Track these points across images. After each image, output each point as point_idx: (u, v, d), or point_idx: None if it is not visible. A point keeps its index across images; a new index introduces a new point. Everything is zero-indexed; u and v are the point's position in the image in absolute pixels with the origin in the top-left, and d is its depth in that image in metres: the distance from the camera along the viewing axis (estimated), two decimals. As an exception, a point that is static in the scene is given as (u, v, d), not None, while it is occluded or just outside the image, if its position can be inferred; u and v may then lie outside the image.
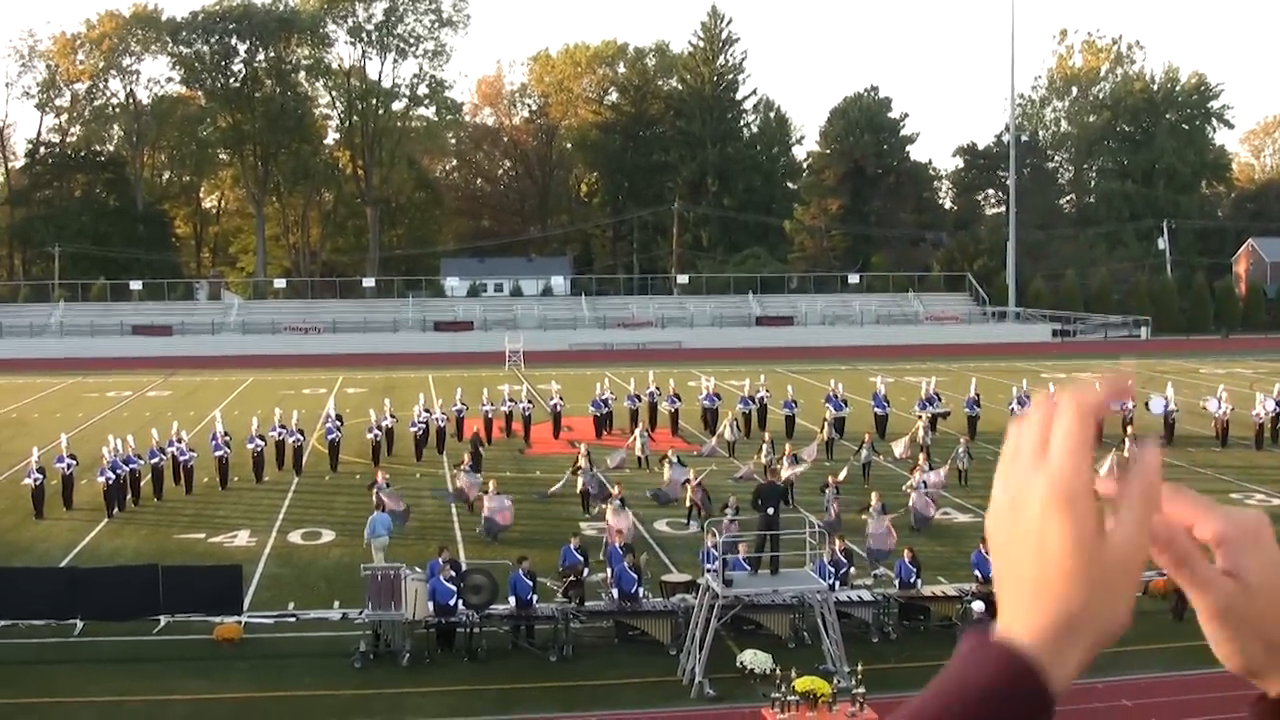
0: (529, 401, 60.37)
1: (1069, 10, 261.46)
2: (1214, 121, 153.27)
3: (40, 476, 42.63)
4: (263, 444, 48.69)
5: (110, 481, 42.44)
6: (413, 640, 27.74)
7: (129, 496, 43.79)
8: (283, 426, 50.85)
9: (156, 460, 45.49)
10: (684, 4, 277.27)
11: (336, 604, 31.45)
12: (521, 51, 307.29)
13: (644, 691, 26.08)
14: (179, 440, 47.18)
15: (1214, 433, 54.87)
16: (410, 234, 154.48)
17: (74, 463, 44.05)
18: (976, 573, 30.31)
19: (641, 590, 29.51)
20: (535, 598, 28.89)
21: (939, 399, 58.32)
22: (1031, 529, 1.58)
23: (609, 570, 30.39)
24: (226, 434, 48.75)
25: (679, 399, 59.80)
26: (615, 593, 29.43)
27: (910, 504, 39.86)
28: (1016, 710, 1.50)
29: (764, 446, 46.70)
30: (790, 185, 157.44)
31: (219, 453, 47.32)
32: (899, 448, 48.25)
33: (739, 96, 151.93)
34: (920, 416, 53.63)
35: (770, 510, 28.49)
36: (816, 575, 27.54)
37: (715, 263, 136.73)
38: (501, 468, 48.93)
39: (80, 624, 29.70)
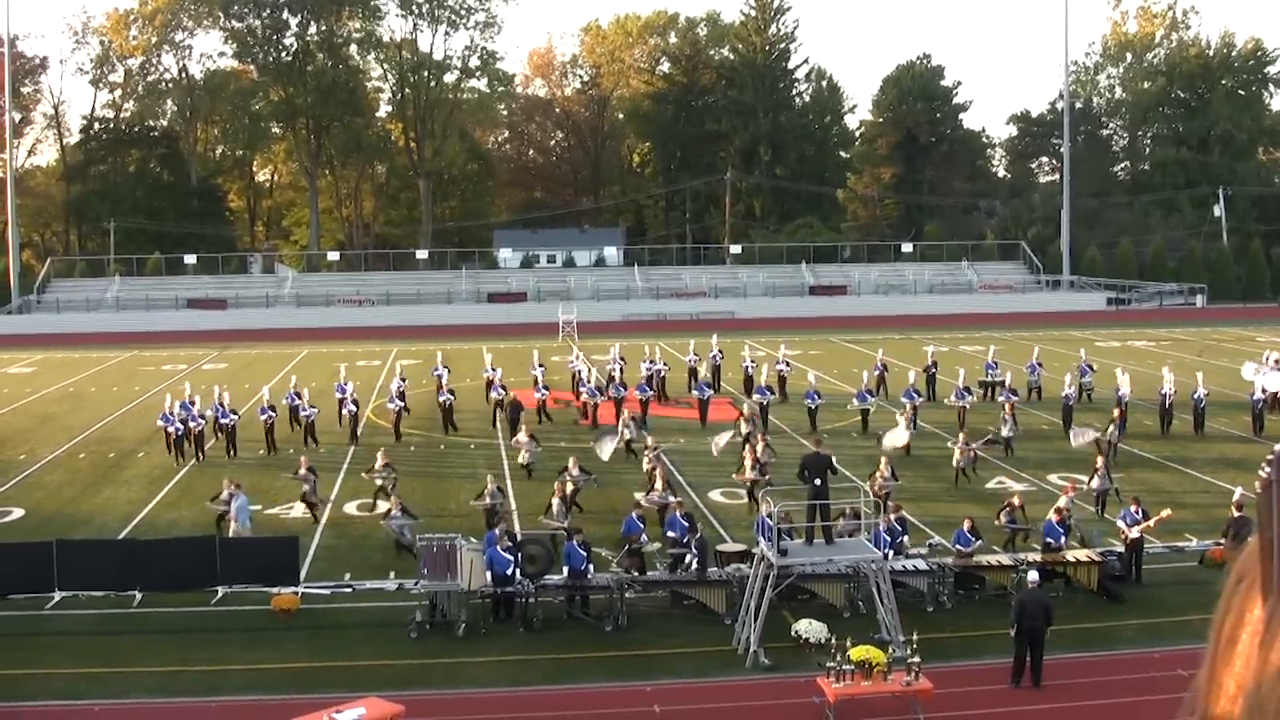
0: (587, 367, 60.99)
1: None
2: (1271, 87, 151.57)
3: (181, 426, 47.07)
4: (355, 406, 51.26)
5: (179, 432, 47.04)
6: (468, 610, 27.88)
7: (208, 446, 48.12)
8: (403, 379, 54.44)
9: (267, 416, 48.54)
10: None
11: (392, 574, 31.63)
12: (572, 22, 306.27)
13: (699, 661, 26.13)
14: (299, 396, 51.46)
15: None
16: (463, 206, 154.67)
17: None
18: (1048, 540, 30.33)
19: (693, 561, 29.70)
20: (591, 568, 28.97)
21: (996, 366, 58.11)
22: None
23: (666, 536, 30.59)
24: (356, 384, 53.65)
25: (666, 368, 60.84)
26: (695, 559, 29.57)
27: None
28: None
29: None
30: (843, 154, 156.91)
31: (305, 413, 50.13)
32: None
33: (791, 65, 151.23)
34: (961, 405, 50.96)
35: (817, 480, 28.42)
36: (871, 544, 27.51)
37: (768, 232, 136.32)
38: (557, 437, 49.03)
39: (139, 595, 29.98)
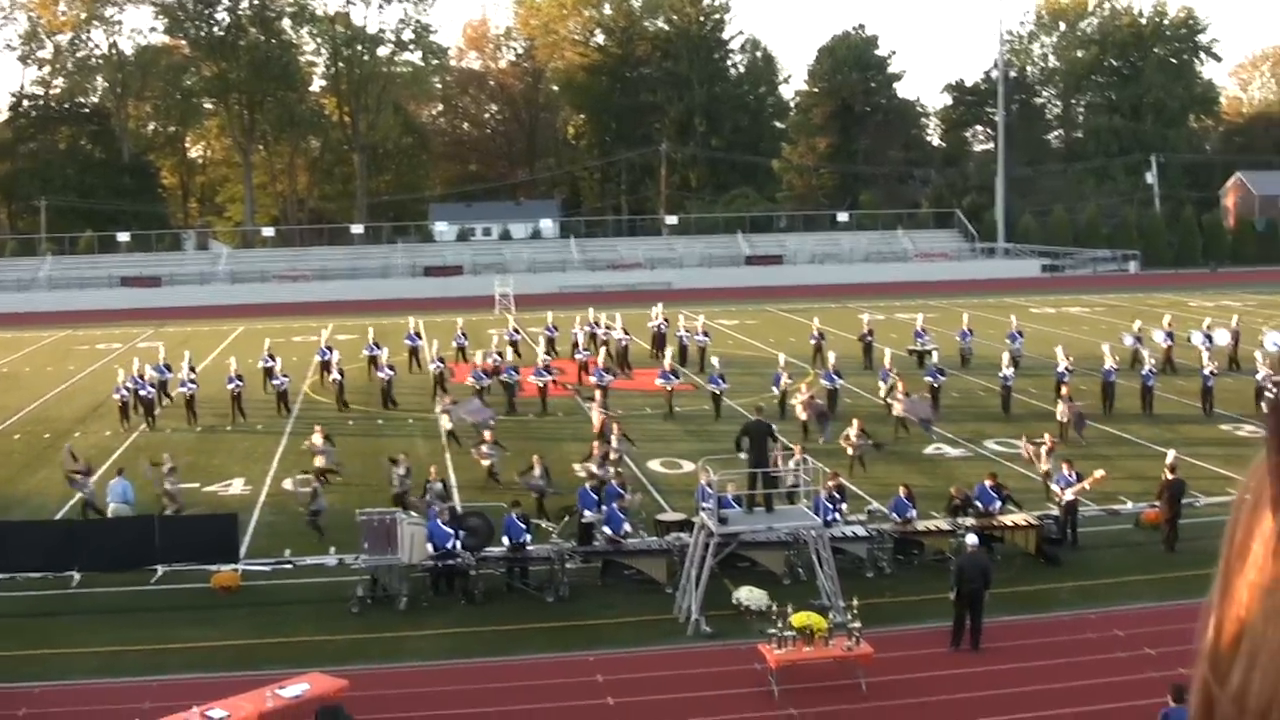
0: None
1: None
2: (1202, 55, 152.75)
3: (126, 393, 48.81)
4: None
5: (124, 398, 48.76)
6: (409, 584, 27.89)
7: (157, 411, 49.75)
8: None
9: (234, 386, 49.39)
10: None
11: (333, 550, 31.56)
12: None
13: (641, 630, 26.25)
14: (272, 358, 53.23)
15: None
16: (398, 180, 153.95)
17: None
18: (979, 504, 30.54)
19: (626, 528, 29.66)
20: (529, 538, 29.04)
21: (925, 335, 58.22)
22: None
23: (600, 510, 30.52)
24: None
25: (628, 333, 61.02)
26: (607, 530, 29.65)
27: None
28: None
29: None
30: (778, 124, 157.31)
31: (277, 381, 51.43)
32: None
33: (725, 36, 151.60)
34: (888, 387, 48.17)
35: (758, 449, 28.54)
36: (811, 512, 27.68)
37: (704, 203, 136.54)
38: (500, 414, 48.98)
39: (78, 575, 29.81)
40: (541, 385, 50.14)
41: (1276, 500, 1.45)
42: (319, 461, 38.02)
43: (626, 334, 60.20)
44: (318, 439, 39.29)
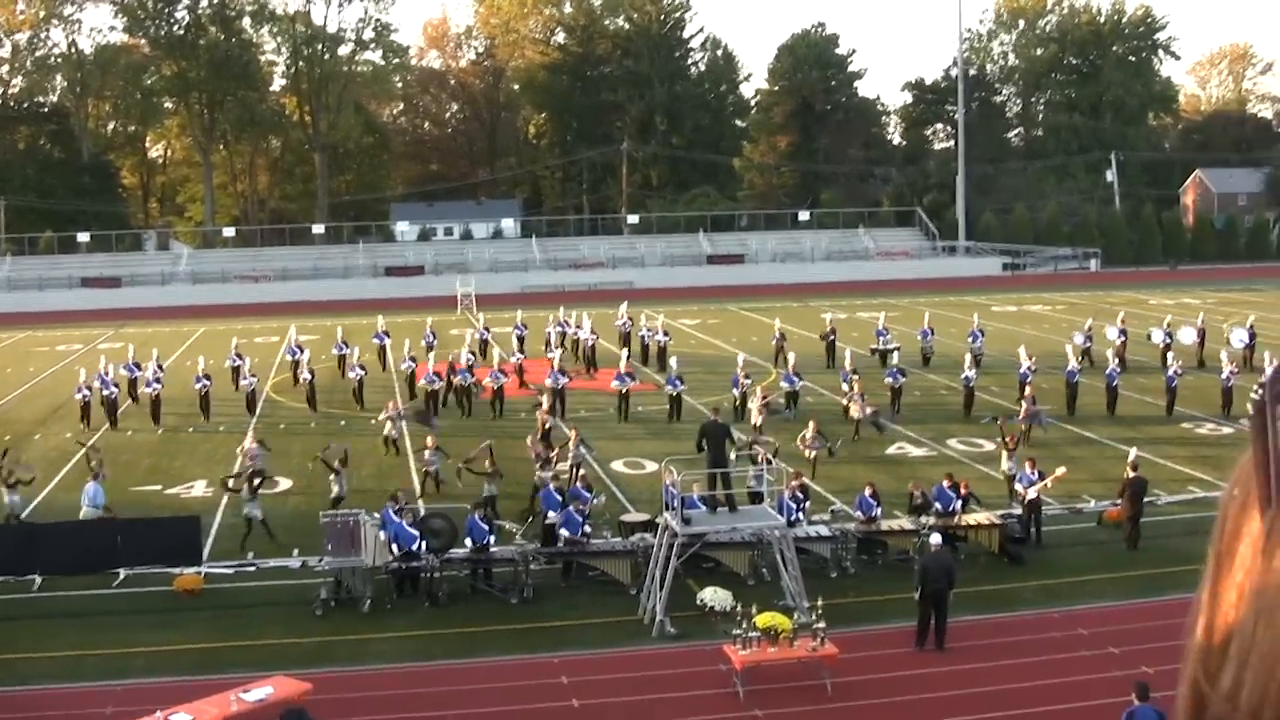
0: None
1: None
2: (1160, 53, 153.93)
3: (116, 388, 49.30)
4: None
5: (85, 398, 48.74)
6: (373, 586, 27.81)
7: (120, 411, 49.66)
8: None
9: (201, 386, 49.53)
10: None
11: (296, 552, 31.45)
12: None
13: (605, 631, 26.22)
14: (240, 357, 53.96)
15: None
16: (359, 179, 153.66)
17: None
18: (937, 505, 30.59)
19: (587, 529, 29.59)
20: (493, 539, 29.01)
21: (887, 333, 58.33)
22: None
23: (552, 511, 30.48)
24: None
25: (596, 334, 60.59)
26: (564, 532, 29.57)
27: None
28: None
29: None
30: (739, 123, 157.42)
31: (246, 381, 51.63)
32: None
33: (686, 34, 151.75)
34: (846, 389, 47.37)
35: (716, 449, 28.50)
36: (775, 512, 27.69)
37: (665, 202, 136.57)
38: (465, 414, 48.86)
39: (39, 579, 29.64)
40: (497, 387, 49.51)
41: (1263, 500, 1.44)
42: (250, 465, 37.61)
43: (594, 334, 60.16)
44: (249, 443, 39.11)
